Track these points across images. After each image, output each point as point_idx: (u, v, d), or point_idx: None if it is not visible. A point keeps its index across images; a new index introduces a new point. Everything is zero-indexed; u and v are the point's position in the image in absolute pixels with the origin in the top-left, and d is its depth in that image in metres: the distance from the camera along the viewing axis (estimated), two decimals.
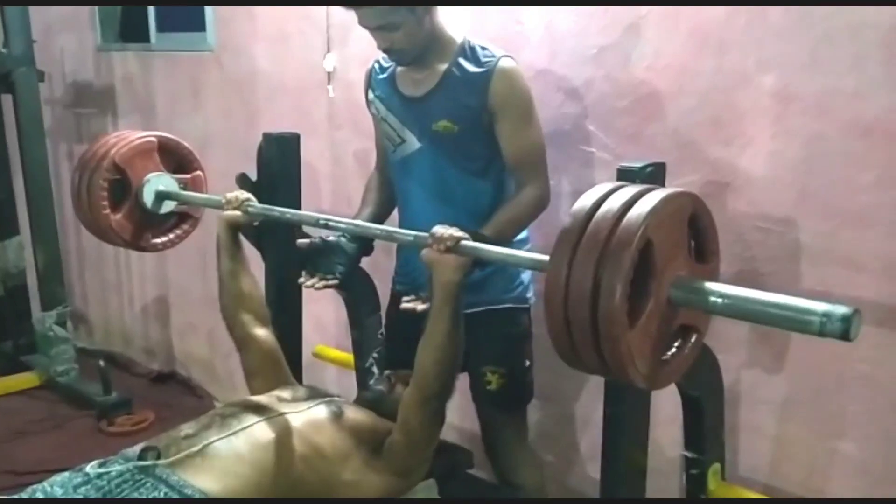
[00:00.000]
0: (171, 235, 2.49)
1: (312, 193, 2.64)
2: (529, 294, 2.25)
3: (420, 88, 2.12)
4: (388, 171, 2.32)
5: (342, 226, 1.95)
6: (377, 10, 1.96)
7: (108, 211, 2.32)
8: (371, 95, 2.25)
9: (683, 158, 2.13)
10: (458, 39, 2.10)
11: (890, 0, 1.79)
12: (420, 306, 1.91)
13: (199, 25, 3.62)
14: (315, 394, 1.98)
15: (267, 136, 2.44)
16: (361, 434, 1.85)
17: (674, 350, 1.36)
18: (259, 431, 1.74)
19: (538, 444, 2.59)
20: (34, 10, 3.89)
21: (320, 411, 1.87)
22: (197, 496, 1.57)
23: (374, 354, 2.55)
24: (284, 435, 1.76)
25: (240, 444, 1.70)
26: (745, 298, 1.23)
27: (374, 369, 2.53)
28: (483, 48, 2.08)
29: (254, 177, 2.45)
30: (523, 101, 2.07)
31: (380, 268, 2.52)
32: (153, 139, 2.39)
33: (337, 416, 1.86)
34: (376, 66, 2.25)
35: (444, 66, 2.08)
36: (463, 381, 2.20)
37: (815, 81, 1.92)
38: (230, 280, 2.10)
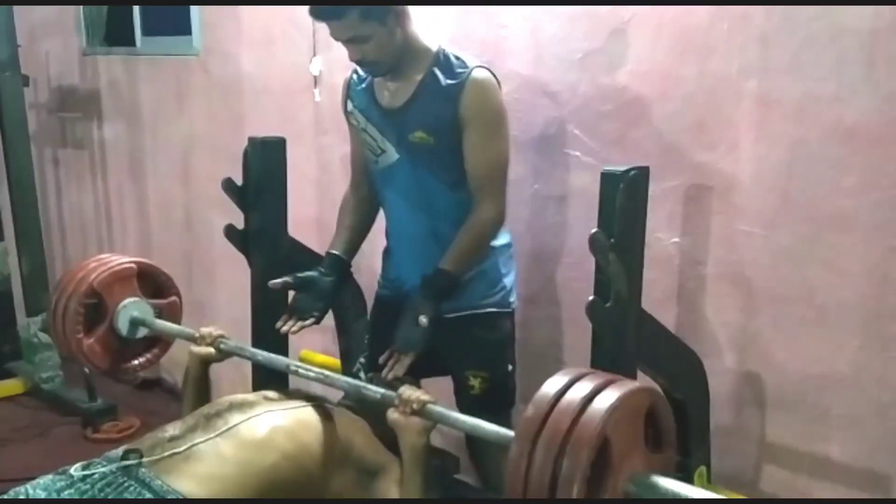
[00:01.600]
0: (142, 359, 2.47)
1: (298, 197, 2.63)
2: (512, 299, 2.24)
3: (397, 99, 2.11)
4: (365, 188, 2.30)
5: (312, 375, 1.94)
6: (346, 23, 1.95)
7: (81, 335, 2.31)
8: (350, 106, 2.23)
9: (667, 162, 2.14)
10: (434, 48, 2.08)
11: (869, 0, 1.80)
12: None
13: (185, 29, 3.61)
14: (302, 395, 1.97)
15: (252, 141, 2.44)
16: (351, 443, 1.84)
17: None
18: (245, 430, 1.74)
19: None
20: (19, 14, 3.88)
21: (308, 411, 1.86)
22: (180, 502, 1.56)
23: (361, 359, 2.55)
24: (270, 433, 1.75)
25: (225, 446, 1.69)
26: (696, 501, 1.28)
27: (361, 374, 2.53)
28: (457, 58, 2.06)
29: (239, 181, 2.44)
30: (492, 114, 2.05)
31: (364, 271, 2.52)
32: (133, 266, 2.39)
33: (326, 418, 1.86)
34: (354, 76, 2.23)
35: (419, 77, 2.07)
36: (446, 386, 2.20)
37: (797, 86, 1.94)
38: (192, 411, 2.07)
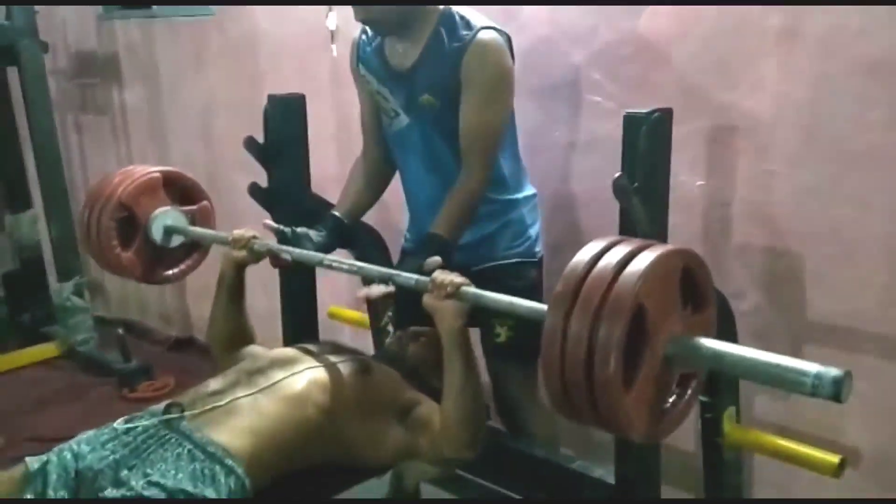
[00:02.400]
0: (182, 266, 2.50)
1: (320, 154, 2.63)
2: (538, 248, 2.25)
3: (405, 61, 2.08)
4: (375, 152, 2.29)
5: (344, 267, 1.92)
6: None
7: (118, 250, 2.34)
8: (362, 70, 2.20)
9: (690, 104, 2.11)
10: (440, 7, 2.03)
11: None
12: (375, 291, 1.88)
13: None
14: (341, 349, 2.00)
15: (272, 99, 2.44)
16: (385, 390, 1.87)
17: (674, 398, 1.37)
18: (285, 387, 1.77)
19: None
20: None
21: (345, 366, 1.89)
22: (219, 453, 1.60)
23: (389, 313, 2.57)
24: (309, 389, 1.78)
25: (264, 401, 1.73)
26: (740, 357, 1.24)
27: (390, 328, 2.55)
28: (463, 18, 2.01)
29: (260, 140, 2.45)
30: (492, 78, 2.00)
31: (391, 226, 2.53)
32: (157, 175, 2.39)
33: (363, 372, 1.88)
34: (363, 36, 2.19)
35: (425, 38, 2.03)
36: (474, 335, 2.22)
37: (821, 20, 1.91)
38: (225, 318, 2.08)
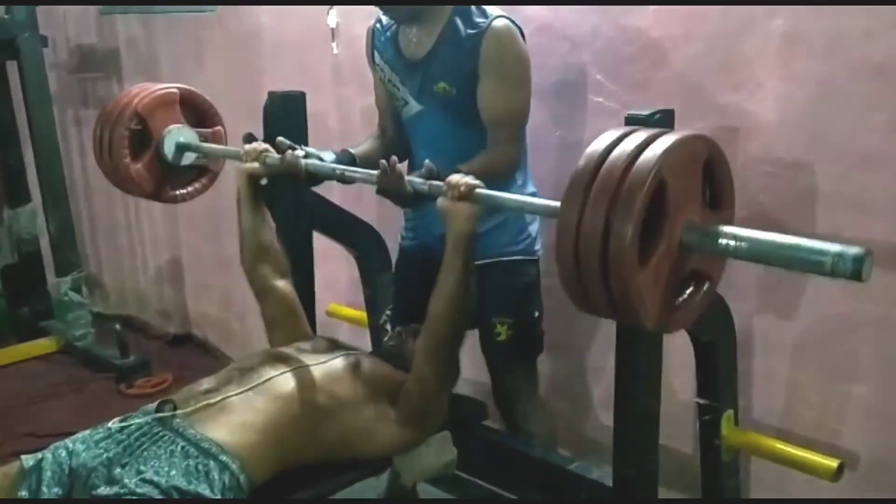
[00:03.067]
0: (190, 188, 2.51)
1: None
2: (537, 247, 2.25)
3: (420, 49, 2.10)
4: (391, 131, 2.31)
5: (358, 176, 1.92)
6: None
7: (128, 160, 2.33)
8: (377, 58, 2.23)
9: (692, 105, 2.11)
10: None
11: None
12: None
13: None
14: (335, 346, 2.00)
15: (272, 95, 2.43)
16: (378, 384, 1.88)
17: (685, 296, 1.35)
18: (278, 385, 1.77)
19: (552, 393, 2.61)
20: None
21: (339, 363, 1.89)
22: (213, 449, 1.60)
23: (388, 311, 2.57)
24: (303, 388, 1.78)
25: (258, 399, 1.73)
26: (757, 240, 1.22)
27: (388, 326, 2.55)
28: (480, 7, 2.04)
29: (260, 136, 2.44)
30: (510, 63, 2.02)
31: (389, 223, 2.52)
32: (175, 91, 2.41)
33: (356, 368, 1.89)
34: (378, 26, 2.23)
35: (440, 26, 2.05)
36: (474, 335, 2.21)
37: (824, 22, 1.90)
38: (250, 234, 2.11)
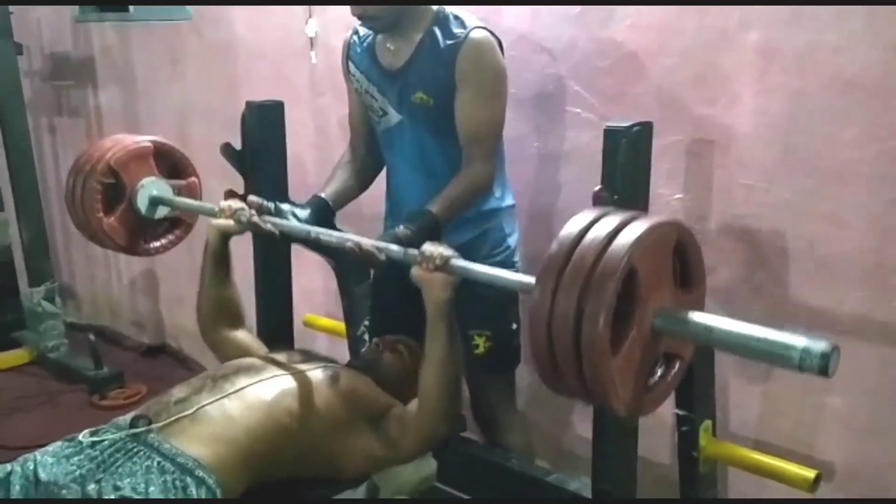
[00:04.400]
0: (164, 241, 2.50)
1: (297, 161, 2.62)
2: (516, 258, 2.26)
3: (397, 59, 2.09)
4: (363, 149, 2.29)
5: (333, 239, 1.92)
6: None
7: (101, 214, 2.32)
8: (352, 69, 2.22)
9: (668, 117, 2.12)
10: (434, 7, 2.06)
11: None
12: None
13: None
14: (311, 357, 1.99)
15: (250, 105, 2.42)
16: (357, 398, 1.87)
17: (657, 377, 1.37)
18: (252, 394, 1.76)
19: (530, 405, 2.61)
20: None
21: (316, 374, 1.88)
22: (189, 464, 1.58)
23: (366, 322, 2.56)
24: (278, 396, 1.77)
25: (232, 408, 1.71)
26: (727, 331, 1.23)
27: (366, 337, 2.53)
28: (457, 18, 2.04)
29: (236, 146, 2.43)
30: (487, 76, 2.03)
31: (367, 235, 2.51)
32: (148, 144, 2.39)
33: (334, 380, 1.87)
34: (355, 38, 2.22)
35: (418, 36, 2.05)
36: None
37: (798, 37, 1.92)
38: (212, 288, 2.10)
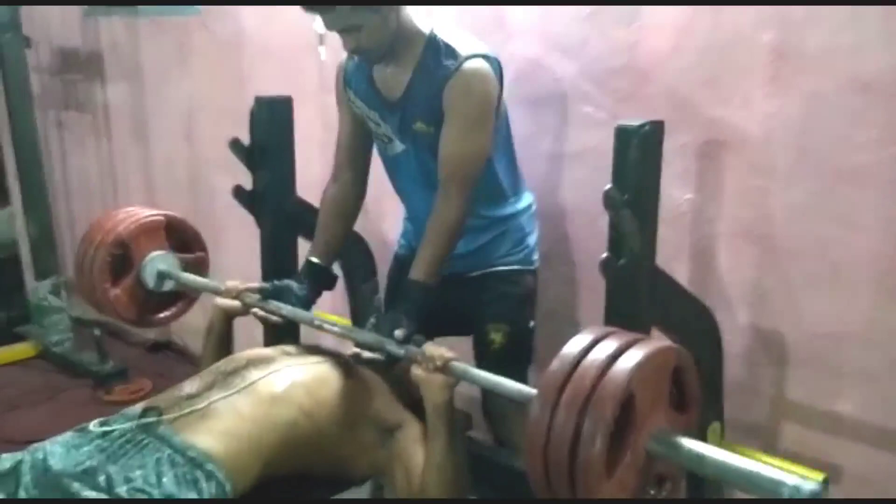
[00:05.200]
0: (168, 312, 2.51)
1: (305, 157, 2.61)
2: (535, 257, 2.26)
3: (396, 89, 2.06)
4: (348, 173, 2.25)
5: (336, 330, 1.94)
6: (339, 13, 1.89)
7: (108, 285, 2.33)
8: (352, 96, 2.18)
9: (680, 118, 2.10)
10: (426, 31, 2.01)
11: None
12: (366, 356, 1.90)
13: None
14: (321, 351, 1.99)
15: (259, 101, 2.42)
16: (367, 395, 1.86)
17: (649, 497, 1.38)
18: (262, 387, 1.75)
19: None
20: None
21: (327, 367, 1.87)
22: (199, 457, 1.58)
23: (372, 319, 2.55)
24: (288, 388, 1.76)
25: (242, 403, 1.71)
26: (719, 462, 1.25)
27: None
28: (449, 46, 1.98)
29: (244, 141, 2.43)
30: (474, 108, 1.97)
31: (374, 232, 2.51)
32: (161, 218, 2.40)
33: (343, 373, 1.87)
34: (350, 63, 2.17)
35: (413, 64, 2.01)
36: (465, 343, 2.20)
37: (814, 38, 1.90)
38: (211, 364, 2.07)
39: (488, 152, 2.05)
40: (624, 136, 1.69)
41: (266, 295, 2.11)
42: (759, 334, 2.13)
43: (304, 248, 2.55)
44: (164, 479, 1.53)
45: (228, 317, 2.11)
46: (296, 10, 3.00)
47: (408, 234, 2.36)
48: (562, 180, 2.43)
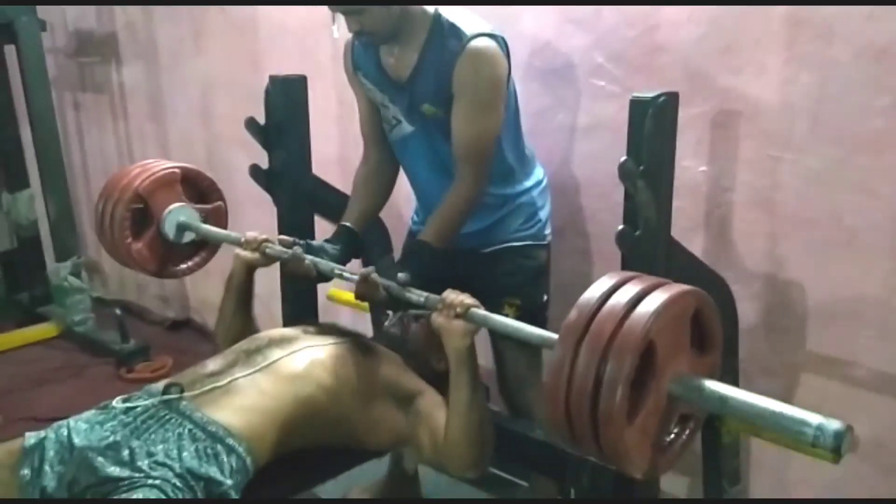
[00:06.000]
0: (191, 263, 2.52)
1: (319, 135, 2.62)
2: (547, 231, 2.27)
3: (403, 70, 2.07)
4: (376, 155, 2.27)
5: (356, 278, 1.91)
6: None
7: (129, 240, 2.36)
8: (361, 77, 2.19)
9: (694, 88, 2.10)
10: (431, 11, 2.01)
11: None
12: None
13: None
14: (339, 331, 2.00)
15: (273, 79, 2.43)
16: (386, 373, 1.88)
17: (672, 437, 1.38)
18: (283, 366, 1.78)
19: None
20: None
21: (345, 346, 1.89)
22: (220, 432, 1.60)
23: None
24: (309, 367, 1.78)
25: (264, 381, 1.73)
26: (743, 402, 1.25)
27: (389, 312, 2.54)
28: (454, 26, 1.98)
29: (260, 120, 2.44)
30: (484, 87, 1.98)
31: (390, 209, 2.52)
32: (176, 170, 2.41)
33: (363, 353, 1.89)
34: (357, 45, 2.19)
35: (420, 44, 2.02)
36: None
37: (827, 5, 1.89)
38: (231, 318, 2.10)
39: (498, 131, 2.06)
40: (638, 109, 1.69)
41: (303, 250, 2.07)
42: (775, 303, 2.14)
43: (320, 225, 2.57)
44: (185, 454, 1.56)
45: (249, 269, 2.10)
46: None
47: (423, 209, 2.36)
48: (575, 153, 2.43)
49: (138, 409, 1.64)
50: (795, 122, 2.00)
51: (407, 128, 2.14)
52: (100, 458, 1.53)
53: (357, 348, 1.90)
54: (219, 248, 2.52)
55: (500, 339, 2.29)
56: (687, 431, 1.40)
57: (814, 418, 1.16)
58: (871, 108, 1.87)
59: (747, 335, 2.11)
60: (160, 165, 2.42)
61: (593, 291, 1.32)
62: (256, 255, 2.08)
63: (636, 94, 1.70)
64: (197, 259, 2.52)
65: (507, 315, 2.19)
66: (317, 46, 3.09)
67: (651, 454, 1.33)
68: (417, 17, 2.01)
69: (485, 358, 2.42)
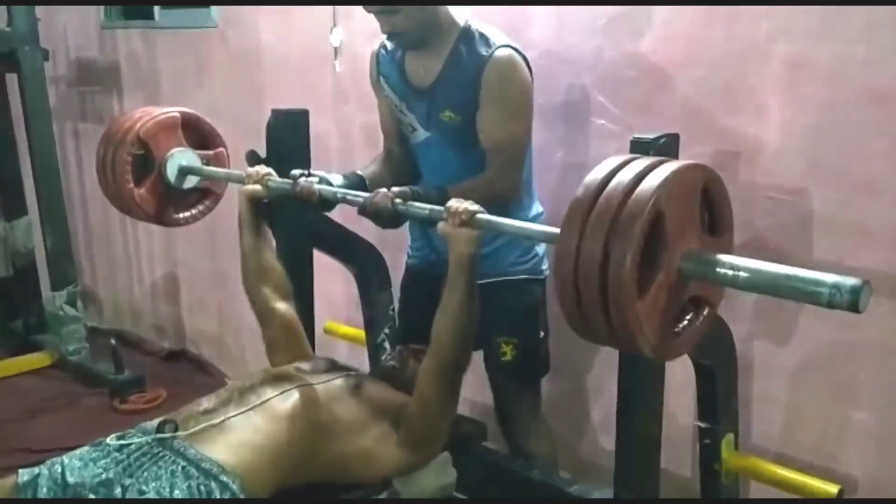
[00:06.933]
0: (194, 211, 2.52)
1: (321, 169, 2.62)
2: (544, 266, 2.26)
3: (427, 77, 2.10)
4: (398, 152, 2.30)
5: (360, 200, 1.91)
6: None
7: (131, 185, 2.35)
8: (383, 83, 2.23)
9: (693, 129, 2.11)
10: (461, 23, 2.06)
11: None
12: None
13: (203, 0, 3.60)
14: (334, 366, 2.00)
15: (276, 113, 2.44)
16: (379, 406, 1.87)
17: (685, 322, 1.36)
18: (277, 405, 1.77)
19: (551, 414, 2.60)
20: None
21: (339, 384, 1.89)
22: (214, 469, 1.59)
23: (386, 330, 2.57)
24: (302, 407, 1.78)
25: (257, 419, 1.72)
26: (756, 270, 1.23)
27: (386, 345, 2.54)
28: (483, 35, 2.03)
29: (263, 153, 2.44)
30: (511, 94, 2.01)
31: (389, 242, 2.52)
32: (177, 114, 2.42)
33: (356, 389, 1.89)
34: (382, 51, 2.22)
35: (446, 53, 2.05)
36: (477, 356, 2.20)
37: (827, 49, 1.91)
38: (252, 255, 2.11)
39: (529, 137, 2.09)
40: (639, 149, 1.69)
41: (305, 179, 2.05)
42: (774, 344, 2.14)
43: (318, 259, 2.57)
44: (177, 492, 1.54)
45: (255, 202, 2.12)
46: (312, 23, 3.07)
47: (416, 242, 2.37)
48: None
49: (132, 446, 1.63)
50: (794, 164, 2.01)
51: (422, 134, 2.16)
52: (92, 496, 1.52)
53: (353, 385, 1.90)
54: (220, 197, 2.51)
55: (500, 377, 2.28)
56: (701, 316, 1.37)
57: (829, 277, 1.14)
58: (868, 151, 1.89)
59: (745, 376, 2.10)
60: (160, 110, 2.42)
61: (599, 171, 1.31)
62: (258, 188, 2.10)
63: (637, 135, 1.71)
64: (200, 207, 2.52)
65: (504, 354, 2.19)
66: (319, 81, 3.12)
67: (662, 331, 1.30)
68: (448, 27, 2.05)
69: (484, 394, 2.42)
